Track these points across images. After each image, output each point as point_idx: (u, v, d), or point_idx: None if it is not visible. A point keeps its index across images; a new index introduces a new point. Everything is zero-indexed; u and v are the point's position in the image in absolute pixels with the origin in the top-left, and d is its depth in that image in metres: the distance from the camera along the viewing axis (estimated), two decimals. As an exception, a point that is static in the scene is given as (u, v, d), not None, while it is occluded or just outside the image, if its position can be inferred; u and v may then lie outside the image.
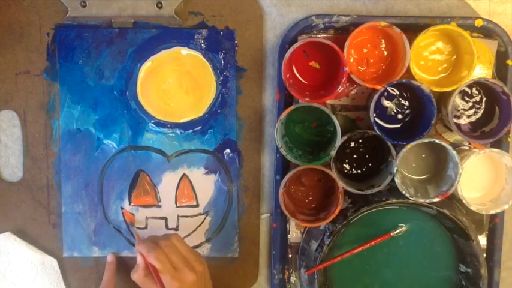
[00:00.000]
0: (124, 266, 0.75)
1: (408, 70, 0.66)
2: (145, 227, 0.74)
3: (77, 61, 0.72)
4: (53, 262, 0.74)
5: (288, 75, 0.67)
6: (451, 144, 0.70)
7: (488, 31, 0.70)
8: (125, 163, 0.74)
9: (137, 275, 0.65)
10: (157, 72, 0.73)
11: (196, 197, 0.74)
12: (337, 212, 0.67)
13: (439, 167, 0.70)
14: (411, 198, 0.66)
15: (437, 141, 0.65)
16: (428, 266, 0.72)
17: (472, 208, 0.67)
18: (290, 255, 0.75)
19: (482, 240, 0.73)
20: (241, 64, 0.73)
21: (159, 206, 0.74)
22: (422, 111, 0.68)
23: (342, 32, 0.70)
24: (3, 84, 0.73)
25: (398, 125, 0.70)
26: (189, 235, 0.75)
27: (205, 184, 0.74)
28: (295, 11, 0.72)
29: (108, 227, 0.74)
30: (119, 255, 0.75)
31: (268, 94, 0.74)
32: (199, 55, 0.72)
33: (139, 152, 0.74)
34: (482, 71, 0.71)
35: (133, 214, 0.74)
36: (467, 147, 0.71)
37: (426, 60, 0.70)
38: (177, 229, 0.74)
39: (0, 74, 0.72)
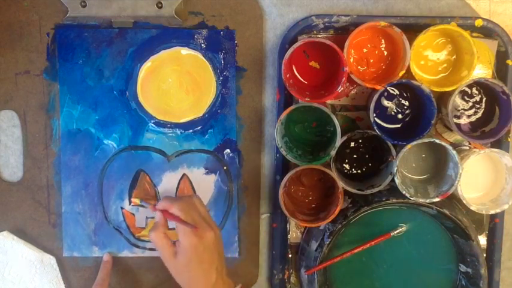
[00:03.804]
0: (123, 265, 0.75)
1: (408, 70, 0.66)
2: (145, 227, 0.74)
3: (77, 61, 0.72)
4: (51, 260, 0.74)
5: (288, 75, 0.67)
6: (451, 144, 0.70)
7: (488, 31, 0.70)
8: (125, 163, 0.74)
9: (156, 234, 0.62)
10: (157, 72, 0.73)
11: (196, 197, 0.74)
12: (337, 212, 0.67)
13: (439, 167, 0.71)
14: (411, 198, 0.66)
15: (437, 141, 0.65)
16: (428, 265, 0.72)
17: (472, 208, 0.67)
18: (290, 255, 0.75)
19: (482, 240, 0.73)
20: (241, 64, 0.73)
21: (159, 206, 0.74)
22: (422, 111, 0.68)
23: (342, 32, 0.70)
24: (3, 84, 0.73)
25: (398, 125, 0.70)
26: (189, 235, 0.75)
27: (205, 184, 0.74)
28: (295, 11, 0.72)
29: (108, 227, 0.74)
30: (118, 255, 0.75)
31: (268, 94, 0.74)
32: (199, 55, 0.72)
33: (140, 152, 0.74)
34: (482, 71, 0.71)
35: (133, 214, 0.74)
36: (467, 147, 0.71)
37: (426, 60, 0.70)
38: (177, 229, 0.74)
39: (0, 74, 0.72)
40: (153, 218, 0.74)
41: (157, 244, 0.62)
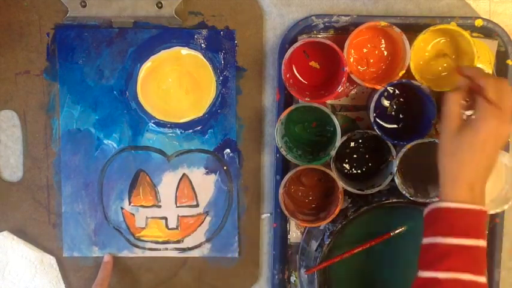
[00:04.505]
0: (123, 266, 0.75)
1: (408, 70, 0.66)
2: (145, 227, 0.74)
3: (77, 61, 0.72)
4: (51, 260, 0.74)
5: (288, 75, 0.67)
6: (451, 144, 0.70)
7: (488, 31, 0.70)
8: (124, 163, 0.74)
9: (454, 96, 0.57)
10: (157, 72, 0.73)
11: (196, 197, 0.74)
12: (337, 212, 0.67)
13: (439, 167, 0.70)
14: (411, 198, 0.66)
15: (437, 141, 0.65)
16: (428, 266, 0.72)
17: (472, 208, 0.67)
18: (290, 255, 0.75)
19: (482, 240, 0.73)
20: (241, 64, 0.73)
21: (159, 206, 0.74)
22: (422, 111, 0.68)
23: (342, 32, 0.70)
24: (3, 84, 0.73)
25: (399, 125, 0.70)
26: (189, 235, 0.75)
27: (205, 184, 0.74)
28: (295, 11, 0.72)
29: (108, 227, 0.74)
30: (118, 255, 0.75)
31: (268, 94, 0.74)
32: (199, 55, 0.72)
33: (140, 152, 0.74)
34: (482, 71, 0.71)
35: (133, 214, 0.74)
36: (467, 147, 0.71)
37: (426, 60, 0.70)
38: (177, 229, 0.74)
39: (0, 74, 0.72)
40: (153, 218, 0.74)
41: (447, 107, 0.57)
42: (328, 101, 0.72)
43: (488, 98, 0.55)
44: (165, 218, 0.74)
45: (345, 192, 0.68)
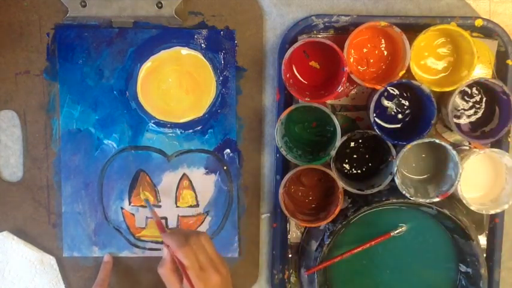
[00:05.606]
0: (123, 266, 0.75)
1: (408, 70, 0.66)
2: (145, 227, 0.74)
3: (77, 61, 0.72)
4: (51, 260, 0.74)
5: (288, 75, 0.67)
6: (451, 144, 0.70)
7: (488, 31, 0.70)
8: (124, 163, 0.74)
9: (164, 270, 0.62)
10: (157, 72, 0.73)
11: (196, 197, 0.74)
12: (337, 212, 0.67)
13: (439, 167, 0.71)
14: (411, 198, 0.66)
15: (437, 141, 0.65)
16: (428, 265, 0.72)
17: (472, 208, 0.67)
18: (290, 255, 0.75)
19: (482, 240, 0.73)
20: (241, 64, 0.73)
21: (159, 206, 0.74)
22: (422, 111, 0.68)
23: (342, 32, 0.70)
24: (3, 84, 0.73)
25: (398, 125, 0.70)
26: (189, 235, 0.75)
27: (205, 184, 0.74)
28: (295, 11, 0.72)
29: (108, 227, 0.74)
30: (118, 255, 0.75)
31: (268, 94, 0.74)
32: (199, 55, 0.72)
33: (140, 152, 0.74)
34: (482, 71, 0.71)
35: (133, 214, 0.74)
36: (467, 147, 0.71)
37: (426, 60, 0.70)
38: (177, 229, 0.75)
39: (0, 74, 0.72)
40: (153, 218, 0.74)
41: (165, 280, 0.62)
42: (328, 101, 0.72)
43: (185, 271, 0.60)
44: (165, 218, 0.74)
45: (345, 192, 0.68)
